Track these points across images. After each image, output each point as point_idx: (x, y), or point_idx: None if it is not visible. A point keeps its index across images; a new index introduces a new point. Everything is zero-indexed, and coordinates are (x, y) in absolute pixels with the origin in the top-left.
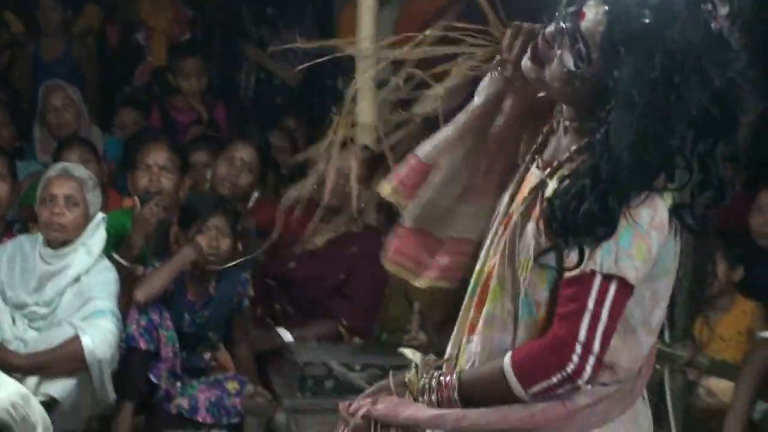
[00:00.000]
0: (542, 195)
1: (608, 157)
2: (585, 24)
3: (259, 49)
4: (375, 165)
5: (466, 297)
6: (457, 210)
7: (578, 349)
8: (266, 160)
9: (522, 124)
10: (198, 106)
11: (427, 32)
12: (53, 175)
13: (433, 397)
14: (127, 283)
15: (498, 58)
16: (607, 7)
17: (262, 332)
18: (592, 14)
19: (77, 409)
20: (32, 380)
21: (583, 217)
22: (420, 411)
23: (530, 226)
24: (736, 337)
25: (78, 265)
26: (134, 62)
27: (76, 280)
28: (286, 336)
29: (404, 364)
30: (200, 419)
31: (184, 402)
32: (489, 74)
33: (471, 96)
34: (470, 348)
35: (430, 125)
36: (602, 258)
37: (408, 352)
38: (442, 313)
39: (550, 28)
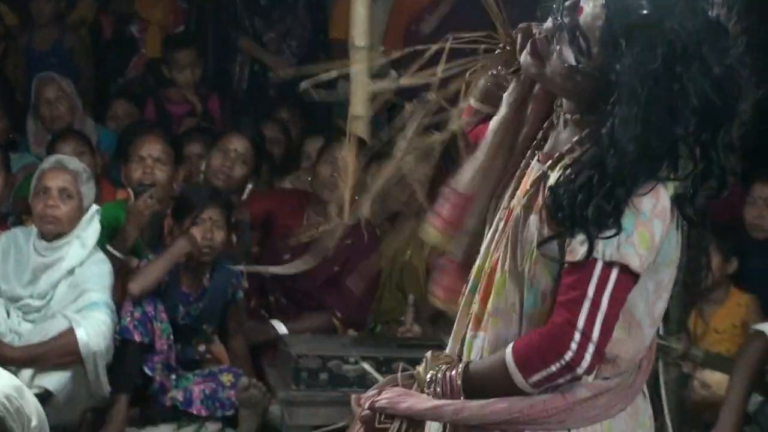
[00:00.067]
0: (544, 186)
1: (614, 151)
2: (583, 18)
3: (252, 40)
4: (369, 158)
5: (466, 292)
6: None
7: (577, 336)
8: (260, 151)
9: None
10: (192, 98)
11: (435, 47)
12: (47, 168)
13: (438, 389)
14: (122, 275)
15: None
16: (604, 1)
17: (256, 324)
18: (590, 8)
19: (72, 402)
20: (27, 373)
21: (593, 210)
22: (420, 401)
23: (533, 218)
24: (730, 329)
25: (72, 257)
26: (128, 54)
27: (71, 272)
28: (281, 328)
29: (398, 357)
30: (195, 411)
31: (178, 394)
32: (512, 84)
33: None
34: (477, 343)
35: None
36: (604, 245)
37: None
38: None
39: (548, 24)
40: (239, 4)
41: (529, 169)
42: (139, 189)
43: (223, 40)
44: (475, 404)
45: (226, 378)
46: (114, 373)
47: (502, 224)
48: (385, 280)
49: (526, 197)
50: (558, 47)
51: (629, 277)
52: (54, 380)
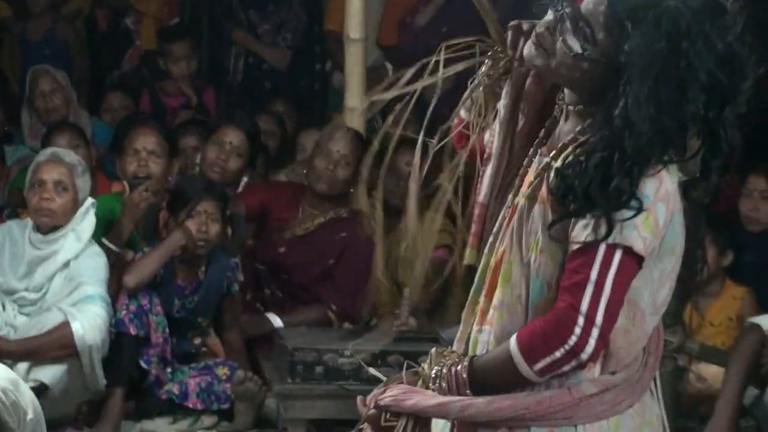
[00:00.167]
0: (548, 176)
1: (630, 131)
2: (585, 6)
3: (247, 32)
4: (364, 149)
5: (472, 291)
6: None
7: (580, 321)
8: (255, 144)
9: (540, 123)
10: (188, 90)
11: (433, 59)
12: (43, 161)
13: (443, 384)
14: (117, 268)
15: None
16: None
17: (251, 318)
18: None
19: (67, 395)
20: (22, 366)
21: (613, 190)
22: (425, 398)
23: (537, 208)
24: (726, 322)
25: (67, 250)
26: (123, 46)
27: (66, 265)
28: (276, 321)
29: (393, 350)
30: (190, 405)
31: (174, 388)
32: (505, 87)
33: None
34: (482, 337)
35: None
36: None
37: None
38: (431, 299)
39: (549, 17)
40: None
41: (533, 163)
42: (134, 182)
43: (218, 32)
44: (481, 401)
45: (222, 371)
46: (109, 366)
47: (506, 221)
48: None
49: (530, 188)
50: (562, 38)
51: (633, 260)
52: (50, 373)
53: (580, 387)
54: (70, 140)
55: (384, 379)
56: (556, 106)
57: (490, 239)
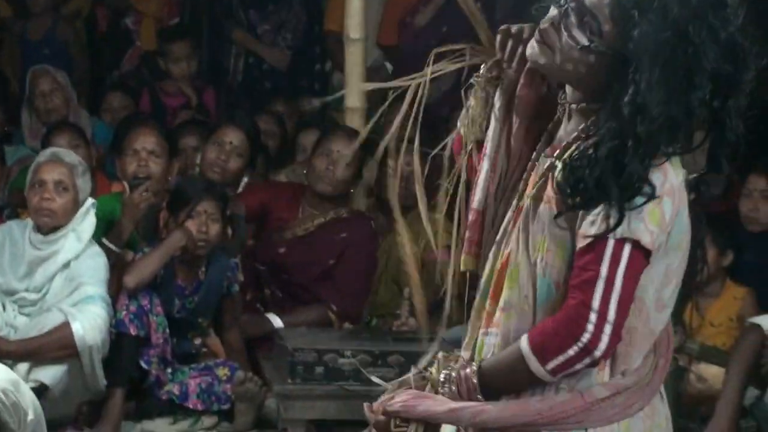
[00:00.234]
0: (552, 176)
1: (642, 117)
2: (589, 0)
3: (247, 32)
4: (365, 150)
5: (478, 297)
6: None
7: (593, 317)
8: (255, 144)
9: (538, 124)
10: (188, 90)
11: (428, 71)
12: (43, 161)
13: (453, 388)
14: (117, 268)
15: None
16: None
17: (252, 318)
18: None
19: (68, 395)
20: (23, 366)
21: (626, 178)
22: (437, 404)
23: (542, 207)
24: (726, 322)
25: (68, 250)
26: (123, 46)
27: (66, 265)
28: (276, 322)
29: (394, 351)
30: (191, 405)
31: (174, 388)
32: (497, 93)
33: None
34: (489, 340)
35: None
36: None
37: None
38: (432, 299)
39: (552, 12)
40: None
41: (537, 165)
42: (134, 182)
43: (218, 32)
44: (492, 407)
45: (222, 372)
46: (110, 366)
47: (511, 223)
48: (380, 273)
49: (534, 189)
50: (567, 32)
51: (641, 254)
52: (50, 374)
53: (592, 391)
54: (70, 140)
55: (389, 386)
56: (559, 107)
57: (494, 245)
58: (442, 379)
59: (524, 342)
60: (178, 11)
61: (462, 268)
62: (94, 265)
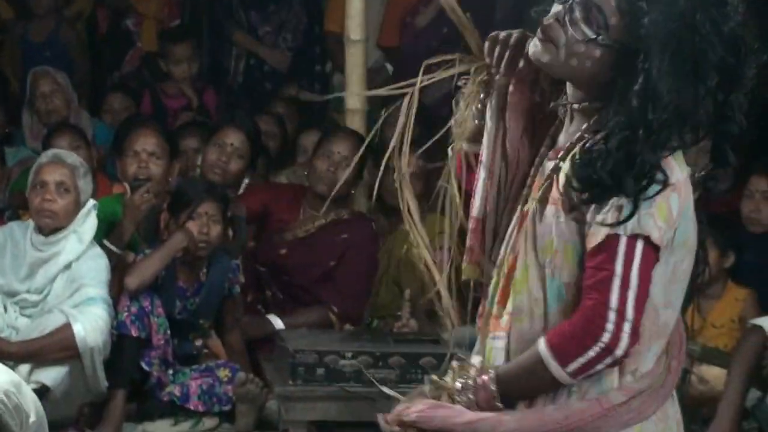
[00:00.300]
0: (557, 178)
1: (654, 104)
2: None
3: (247, 34)
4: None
5: (486, 303)
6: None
7: (611, 316)
8: (256, 146)
9: (533, 129)
10: (189, 92)
11: (420, 80)
12: (45, 162)
13: (471, 396)
14: (118, 270)
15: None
16: None
17: (253, 319)
18: None
19: (69, 397)
20: (24, 368)
21: (640, 166)
22: (454, 415)
23: (549, 209)
24: (728, 324)
25: (69, 252)
26: (124, 48)
27: (67, 267)
28: (277, 323)
29: (395, 352)
30: (192, 407)
31: (175, 390)
32: (490, 99)
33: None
34: (496, 344)
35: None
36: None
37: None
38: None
39: (557, 8)
40: None
41: (541, 169)
42: (135, 183)
43: (218, 33)
44: (510, 418)
45: (223, 373)
46: (111, 368)
47: (516, 228)
48: (381, 274)
49: (540, 191)
50: (572, 27)
51: (652, 250)
52: (51, 375)
53: (608, 397)
54: (70, 141)
55: (401, 398)
56: (560, 109)
57: (502, 249)
58: (459, 388)
59: (542, 345)
60: (178, 12)
61: (464, 277)
62: (96, 267)
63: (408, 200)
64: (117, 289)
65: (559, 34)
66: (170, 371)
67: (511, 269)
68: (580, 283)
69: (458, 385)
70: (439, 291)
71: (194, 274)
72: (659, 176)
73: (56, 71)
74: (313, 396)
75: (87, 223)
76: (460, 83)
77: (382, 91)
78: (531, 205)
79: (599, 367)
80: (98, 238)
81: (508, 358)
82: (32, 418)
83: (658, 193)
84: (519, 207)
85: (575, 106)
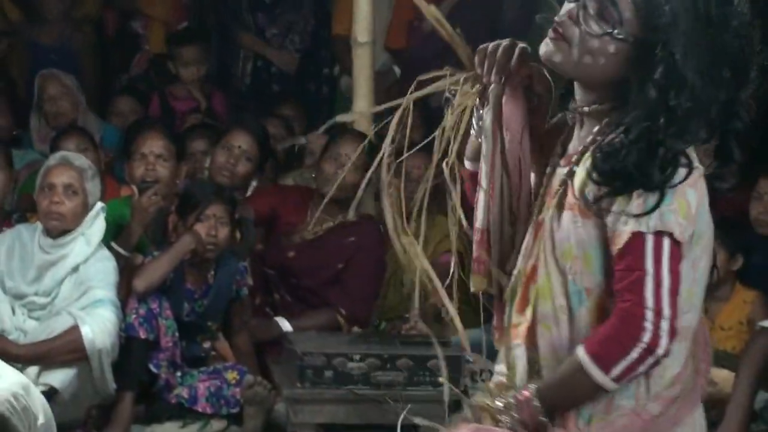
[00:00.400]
0: (572, 183)
1: (676, 92)
2: None
3: (255, 36)
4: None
5: (506, 316)
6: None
7: (648, 315)
8: (264, 148)
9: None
10: (197, 94)
11: (410, 97)
12: (53, 164)
13: (515, 415)
14: (126, 272)
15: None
16: None
17: (261, 322)
18: None
19: (77, 399)
20: (32, 370)
21: (666, 153)
22: None
23: (566, 215)
24: (736, 326)
25: (77, 254)
26: (132, 50)
27: (75, 269)
28: (285, 326)
29: (402, 354)
30: (200, 409)
31: (183, 392)
32: (485, 110)
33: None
34: (518, 353)
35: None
36: (647, 218)
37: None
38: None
39: (569, 6)
40: (242, 0)
41: (553, 177)
42: (143, 186)
43: (226, 35)
44: None
45: (231, 375)
46: (119, 370)
47: (532, 237)
48: (389, 277)
49: (556, 198)
50: (585, 24)
51: (677, 247)
52: (59, 377)
53: (648, 408)
54: (78, 144)
55: (443, 429)
56: (568, 115)
57: (519, 258)
58: (500, 407)
59: (581, 353)
60: (186, 15)
61: (472, 288)
62: (104, 269)
63: (390, 213)
64: (125, 291)
65: (572, 32)
66: (178, 373)
67: (529, 278)
68: (600, 289)
69: (499, 404)
70: (440, 298)
71: (202, 277)
72: (684, 161)
73: (64, 74)
74: (321, 398)
75: (95, 225)
76: (449, 94)
77: (379, 109)
78: (547, 213)
79: (641, 368)
80: (106, 241)
81: (530, 366)
82: (40, 420)
83: (684, 179)
84: (533, 215)
85: (585, 109)
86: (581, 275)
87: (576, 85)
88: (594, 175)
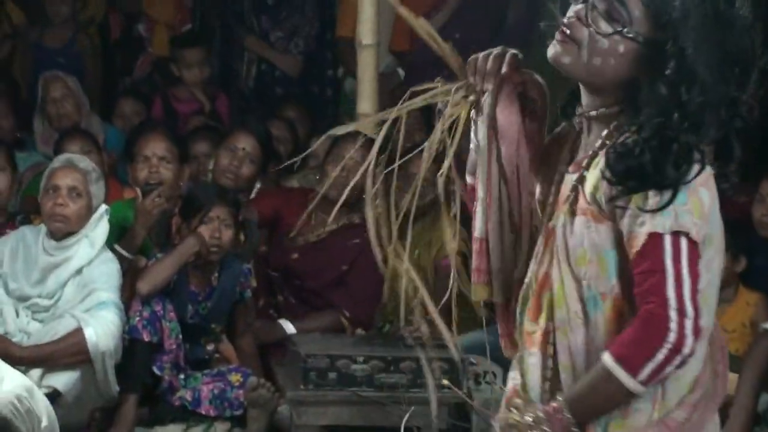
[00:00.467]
0: (582, 189)
1: (687, 87)
2: None
3: (259, 38)
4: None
5: (517, 325)
6: (519, 257)
7: (673, 315)
8: (268, 150)
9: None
10: (201, 97)
11: (404, 107)
12: (57, 166)
13: (546, 429)
14: (130, 274)
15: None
16: None
17: (264, 324)
18: None
19: (80, 401)
20: (36, 372)
21: (679, 148)
22: None
23: (578, 220)
24: (740, 328)
25: (81, 256)
26: (135, 53)
27: (79, 271)
28: (289, 328)
29: (406, 357)
30: (203, 411)
31: (187, 394)
32: (479, 121)
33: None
34: (532, 361)
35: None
36: (662, 219)
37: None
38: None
39: (577, 7)
40: (246, 3)
41: (563, 184)
42: (146, 188)
43: (230, 38)
44: None
45: (235, 378)
46: (123, 372)
47: (543, 245)
48: (391, 278)
49: (567, 204)
50: (594, 24)
51: (694, 247)
52: (63, 380)
53: (674, 416)
54: (82, 146)
55: None
56: (575, 121)
57: (532, 264)
58: (530, 422)
59: (608, 359)
60: (190, 17)
61: (474, 298)
62: (107, 271)
63: (374, 226)
64: (129, 293)
65: (582, 32)
66: (182, 376)
67: (542, 285)
68: (615, 293)
69: (528, 419)
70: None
71: (206, 279)
72: (697, 157)
73: (67, 76)
74: (325, 401)
75: (99, 228)
76: (440, 105)
77: (370, 120)
78: (559, 220)
79: (669, 369)
80: (110, 243)
81: (545, 375)
82: (44, 423)
83: (697, 174)
84: (543, 223)
85: (592, 113)
86: (596, 280)
87: (582, 89)
88: (608, 175)
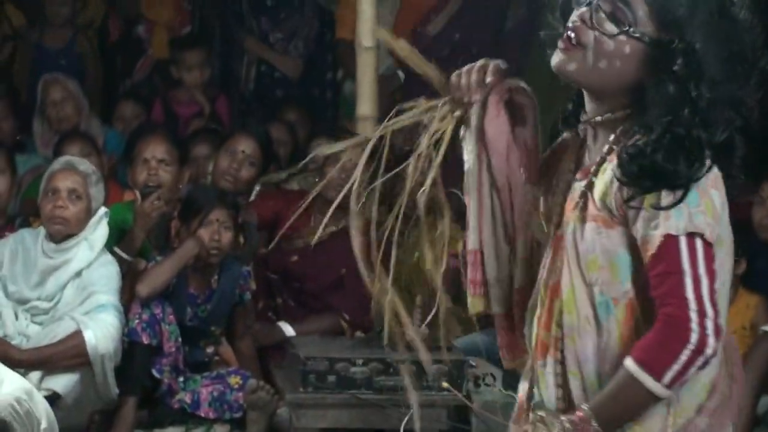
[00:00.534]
0: (591, 194)
1: (696, 83)
2: None
3: (258, 40)
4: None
5: (527, 336)
6: (515, 266)
7: (693, 316)
8: (267, 153)
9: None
10: (201, 99)
11: (389, 125)
12: (57, 169)
13: None
14: (129, 277)
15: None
16: None
17: (263, 326)
18: None
19: (80, 404)
20: (35, 375)
21: (691, 144)
22: None
23: (589, 226)
24: (740, 331)
25: (80, 259)
26: (135, 55)
27: (78, 274)
28: (288, 330)
29: (406, 359)
30: (203, 414)
31: (186, 397)
32: (466, 134)
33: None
34: (547, 370)
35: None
36: (676, 220)
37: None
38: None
39: (581, 10)
40: (245, 5)
41: (570, 192)
42: (146, 191)
43: (229, 40)
44: None
45: (234, 380)
46: (122, 375)
47: (552, 253)
48: (392, 282)
49: (576, 211)
50: (599, 26)
51: (709, 247)
52: (62, 382)
53: (696, 424)
54: (81, 149)
55: None
56: (580, 128)
57: (542, 272)
58: None
59: (631, 364)
60: (189, 19)
61: (471, 310)
62: (107, 274)
63: (359, 246)
64: (128, 296)
65: (587, 36)
66: (181, 378)
67: (553, 294)
68: (628, 298)
69: (557, 431)
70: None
71: (205, 281)
72: (708, 153)
73: (67, 78)
74: (324, 403)
75: (98, 230)
76: (425, 120)
77: (352, 141)
78: (569, 227)
79: (692, 370)
80: (109, 246)
81: (557, 383)
82: (43, 425)
83: (708, 170)
84: (551, 233)
85: (598, 119)
86: (608, 285)
87: (586, 96)
88: (621, 176)
